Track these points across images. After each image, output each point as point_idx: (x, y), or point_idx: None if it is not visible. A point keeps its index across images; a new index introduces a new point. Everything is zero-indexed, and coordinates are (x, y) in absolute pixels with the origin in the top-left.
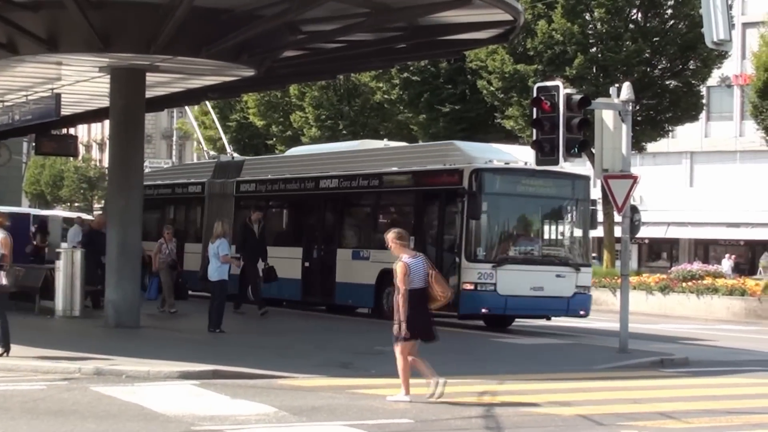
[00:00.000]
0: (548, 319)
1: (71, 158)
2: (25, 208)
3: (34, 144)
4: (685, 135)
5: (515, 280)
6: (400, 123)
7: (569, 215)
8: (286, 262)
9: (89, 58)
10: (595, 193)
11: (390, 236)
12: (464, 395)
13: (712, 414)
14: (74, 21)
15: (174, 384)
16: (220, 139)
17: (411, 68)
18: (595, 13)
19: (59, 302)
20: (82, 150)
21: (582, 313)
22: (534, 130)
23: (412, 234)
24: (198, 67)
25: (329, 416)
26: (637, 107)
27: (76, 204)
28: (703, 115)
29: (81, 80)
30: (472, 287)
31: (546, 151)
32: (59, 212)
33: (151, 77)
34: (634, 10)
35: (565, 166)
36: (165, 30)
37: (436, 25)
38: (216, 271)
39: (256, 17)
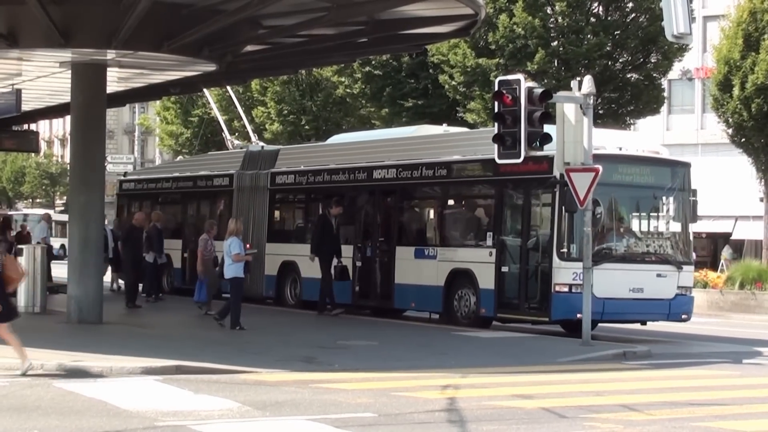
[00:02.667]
0: (644, 324)
1: (33, 154)
2: None
3: None
4: (647, 128)
5: (613, 281)
6: (363, 117)
7: (670, 207)
8: (348, 262)
9: (50, 53)
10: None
11: None
12: (427, 389)
13: (675, 406)
14: (34, 16)
15: (137, 379)
16: (182, 134)
17: (373, 62)
18: (557, 7)
19: (21, 298)
20: (43, 146)
21: (684, 317)
22: (496, 124)
23: (489, 229)
24: (159, 62)
25: (293, 411)
26: (599, 101)
27: (38, 200)
28: (664, 108)
29: (42, 76)
30: (565, 289)
31: (508, 145)
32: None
33: (112, 72)
34: (595, 4)
35: (663, 151)
36: (126, 25)
37: (398, 19)
38: (229, 269)
39: (218, 12)
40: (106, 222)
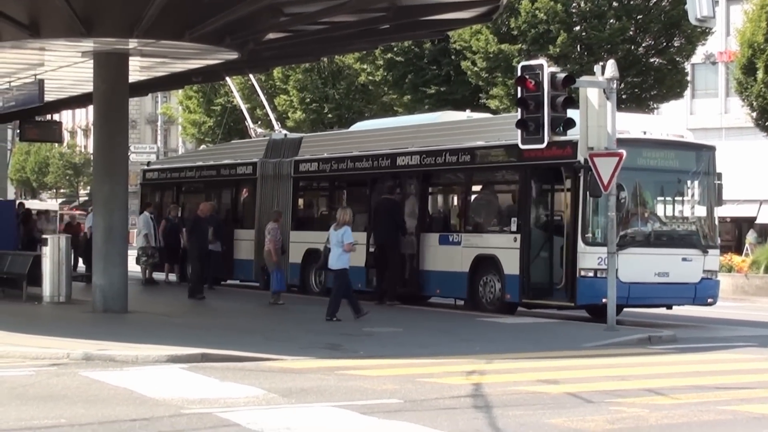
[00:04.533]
0: (669, 308)
1: (56, 144)
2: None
3: (18, 130)
4: (670, 113)
5: (639, 266)
6: (385, 105)
7: (695, 191)
8: (359, 247)
9: (72, 43)
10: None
11: None
12: (452, 375)
13: (700, 390)
14: (56, 5)
15: (163, 368)
16: (205, 123)
17: (395, 49)
18: None
19: (47, 288)
20: (66, 136)
21: (710, 301)
22: (519, 110)
23: (513, 215)
24: (181, 50)
25: (318, 398)
26: (622, 85)
27: (62, 190)
28: (687, 93)
29: (64, 66)
30: (591, 274)
31: (531, 130)
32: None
33: (134, 62)
34: None
35: (688, 135)
36: (147, 13)
37: (420, 5)
38: (341, 259)
39: (239, 0)
40: (151, 210)
